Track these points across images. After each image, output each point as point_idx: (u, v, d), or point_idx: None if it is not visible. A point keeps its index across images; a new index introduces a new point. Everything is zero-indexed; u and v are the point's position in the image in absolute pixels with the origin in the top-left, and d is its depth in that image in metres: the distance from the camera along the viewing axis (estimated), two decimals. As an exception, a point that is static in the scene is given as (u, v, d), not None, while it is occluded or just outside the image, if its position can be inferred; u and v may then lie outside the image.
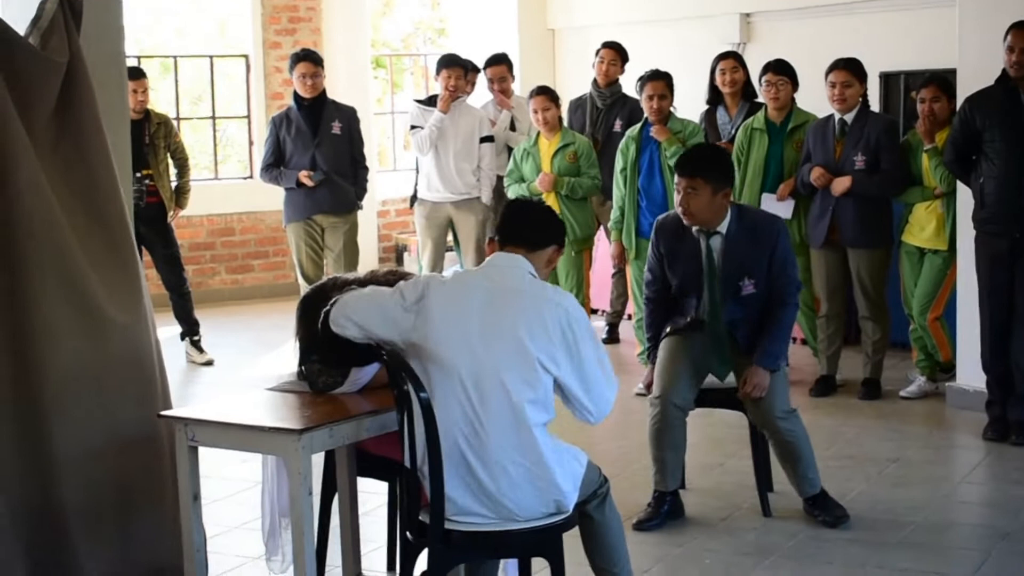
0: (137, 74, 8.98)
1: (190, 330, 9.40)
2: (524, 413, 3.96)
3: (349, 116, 9.10)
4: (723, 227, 5.53)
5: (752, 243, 5.54)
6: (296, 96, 9.00)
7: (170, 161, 9.29)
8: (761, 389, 5.49)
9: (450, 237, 9.50)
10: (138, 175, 8.60)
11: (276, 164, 9.00)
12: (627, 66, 9.40)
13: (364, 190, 9.23)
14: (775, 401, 5.55)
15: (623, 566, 4.32)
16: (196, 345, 9.38)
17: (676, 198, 5.57)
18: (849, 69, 7.59)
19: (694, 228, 5.56)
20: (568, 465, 4.10)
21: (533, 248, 4.16)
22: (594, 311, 10.00)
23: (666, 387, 5.63)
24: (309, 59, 8.95)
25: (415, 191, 9.55)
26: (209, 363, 9.29)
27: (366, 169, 9.24)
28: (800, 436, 5.61)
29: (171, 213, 9.28)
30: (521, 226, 4.19)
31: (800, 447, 5.62)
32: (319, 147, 8.91)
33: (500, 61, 9.68)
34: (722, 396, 5.87)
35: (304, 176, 8.83)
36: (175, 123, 9.98)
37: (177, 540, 4.43)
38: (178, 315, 9.35)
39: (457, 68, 9.17)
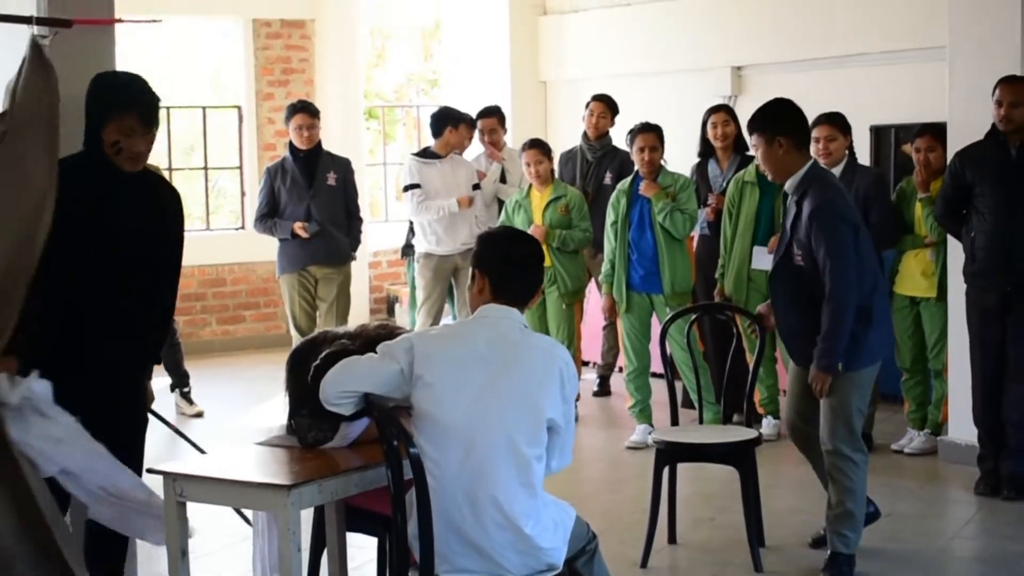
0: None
1: (180, 381, 9.36)
2: (531, 468, 3.96)
3: (344, 167, 9.11)
4: (790, 184, 5.52)
5: (797, 211, 5.47)
6: (292, 147, 9.00)
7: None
8: (817, 390, 5.40)
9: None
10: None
11: (271, 214, 8.97)
12: (618, 119, 9.44)
13: (358, 241, 9.21)
14: (824, 429, 5.48)
15: (613, 622, 4.29)
16: (186, 397, 9.34)
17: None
18: (832, 123, 7.56)
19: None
20: (558, 520, 4.08)
21: (526, 302, 4.17)
22: (585, 363, 9.98)
23: (787, 416, 5.85)
24: (306, 111, 8.97)
25: (407, 242, 9.55)
26: (199, 415, 9.25)
27: (360, 220, 9.25)
28: (848, 483, 5.43)
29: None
30: (520, 285, 4.16)
31: (842, 492, 5.45)
32: (314, 198, 8.90)
33: (492, 113, 9.72)
34: (713, 450, 5.87)
35: (299, 227, 8.81)
36: (167, 173, 9.98)
37: None
38: (168, 366, 9.31)
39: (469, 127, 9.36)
